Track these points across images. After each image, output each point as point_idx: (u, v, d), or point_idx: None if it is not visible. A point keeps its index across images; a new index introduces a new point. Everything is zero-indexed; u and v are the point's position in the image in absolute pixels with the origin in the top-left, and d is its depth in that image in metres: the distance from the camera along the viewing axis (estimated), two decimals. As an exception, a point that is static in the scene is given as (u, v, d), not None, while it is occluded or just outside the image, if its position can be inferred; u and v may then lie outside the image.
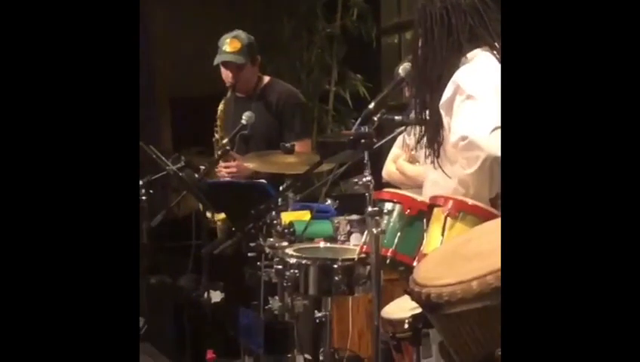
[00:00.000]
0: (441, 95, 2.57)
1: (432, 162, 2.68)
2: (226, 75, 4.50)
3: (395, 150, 3.95)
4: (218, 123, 4.55)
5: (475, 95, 2.45)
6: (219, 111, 4.56)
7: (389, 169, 3.92)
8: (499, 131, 2.36)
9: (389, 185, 3.71)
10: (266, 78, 4.62)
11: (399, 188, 3.44)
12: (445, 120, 2.56)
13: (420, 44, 2.71)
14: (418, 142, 2.75)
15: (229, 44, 4.46)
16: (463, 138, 2.42)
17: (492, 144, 2.36)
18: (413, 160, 3.65)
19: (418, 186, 3.52)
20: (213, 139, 4.57)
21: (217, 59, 4.49)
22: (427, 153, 2.70)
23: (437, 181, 2.70)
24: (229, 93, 4.53)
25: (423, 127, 2.73)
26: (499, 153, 2.34)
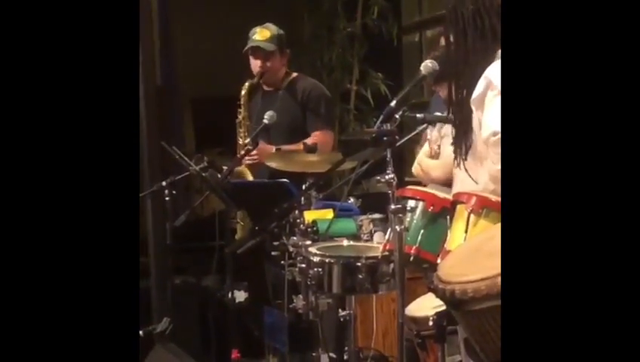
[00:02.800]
0: (471, 95, 2.56)
1: (459, 164, 2.66)
2: (255, 63, 4.54)
3: (427, 147, 3.92)
4: (242, 102, 4.58)
5: None
6: (242, 92, 4.58)
7: (415, 164, 3.89)
8: None
9: (412, 182, 3.69)
10: (294, 74, 4.66)
11: (424, 185, 3.43)
12: (476, 115, 2.55)
13: (451, 44, 2.68)
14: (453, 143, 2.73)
15: (259, 33, 4.53)
16: (495, 133, 2.41)
17: None
18: (436, 155, 3.62)
19: (432, 181, 3.51)
20: (237, 121, 4.60)
21: (247, 47, 4.53)
22: (455, 155, 2.69)
23: (464, 179, 2.69)
24: (255, 79, 4.56)
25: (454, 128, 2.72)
26: None
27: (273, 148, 4.32)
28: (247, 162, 4.38)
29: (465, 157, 2.64)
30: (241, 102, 4.58)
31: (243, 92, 4.59)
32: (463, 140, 2.64)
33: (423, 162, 3.67)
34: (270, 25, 4.58)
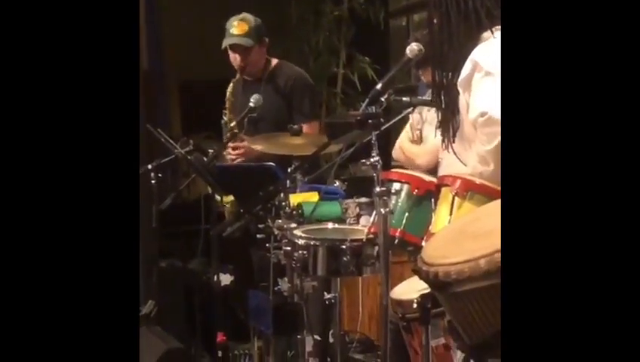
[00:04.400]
0: (457, 77, 2.56)
1: (447, 147, 2.66)
2: (234, 58, 4.46)
3: (409, 130, 3.91)
4: (227, 105, 4.52)
5: (494, 72, 2.43)
6: (227, 93, 4.53)
7: (396, 147, 3.88)
8: None
9: (399, 166, 3.69)
10: (275, 61, 4.58)
11: (407, 168, 3.43)
12: (463, 97, 2.54)
13: (435, 27, 2.67)
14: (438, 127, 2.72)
15: (237, 26, 4.41)
16: (483, 114, 2.41)
17: None
18: (418, 139, 3.61)
19: (416, 168, 3.50)
20: (222, 122, 4.52)
21: (225, 42, 4.45)
22: (443, 138, 2.68)
23: (452, 162, 2.69)
24: (237, 76, 4.50)
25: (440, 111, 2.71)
26: None
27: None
28: (232, 157, 4.36)
29: (453, 140, 2.64)
30: (226, 106, 4.50)
31: (228, 92, 4.51)
32: (450, 123, 2.64)
33: (405, 147, 3.66)
34: (247, 16, 4.46)
